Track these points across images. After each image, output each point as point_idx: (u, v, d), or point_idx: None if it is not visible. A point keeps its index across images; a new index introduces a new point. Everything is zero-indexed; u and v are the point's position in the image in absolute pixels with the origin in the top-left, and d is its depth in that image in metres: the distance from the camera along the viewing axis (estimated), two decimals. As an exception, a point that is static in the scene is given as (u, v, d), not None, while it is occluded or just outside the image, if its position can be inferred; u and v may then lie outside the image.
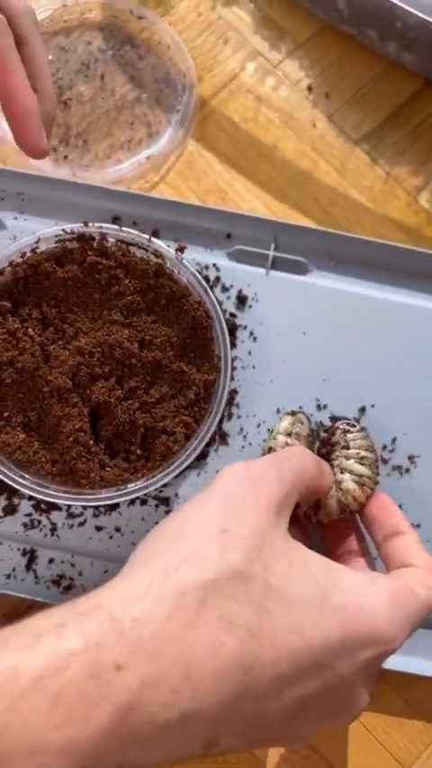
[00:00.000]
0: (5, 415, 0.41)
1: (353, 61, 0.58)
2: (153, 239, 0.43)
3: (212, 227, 0.53)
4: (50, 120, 0.41)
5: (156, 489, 0.42)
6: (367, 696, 0.32)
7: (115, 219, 0.52)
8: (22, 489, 0.41)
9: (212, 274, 0.52)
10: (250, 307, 0.52)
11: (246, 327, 0.51)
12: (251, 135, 0.57)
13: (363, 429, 0.44)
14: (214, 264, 0.52)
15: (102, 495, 0.42)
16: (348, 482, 0.40)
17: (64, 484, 0.42)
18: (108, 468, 0.42)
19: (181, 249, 0.43)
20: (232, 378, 0.44)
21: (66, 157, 0.55)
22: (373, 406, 0.50)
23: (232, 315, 0.51)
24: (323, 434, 0.43)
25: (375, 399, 0.50)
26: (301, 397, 0.50)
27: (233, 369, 0.46)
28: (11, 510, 0.48)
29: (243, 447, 0.49)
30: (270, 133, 0.57)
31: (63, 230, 0.42)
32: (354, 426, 0.43)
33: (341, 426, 0.43)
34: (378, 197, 0.56)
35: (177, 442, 0.41)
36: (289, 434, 0.42)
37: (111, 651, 0.24)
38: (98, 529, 0.49)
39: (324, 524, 0.41)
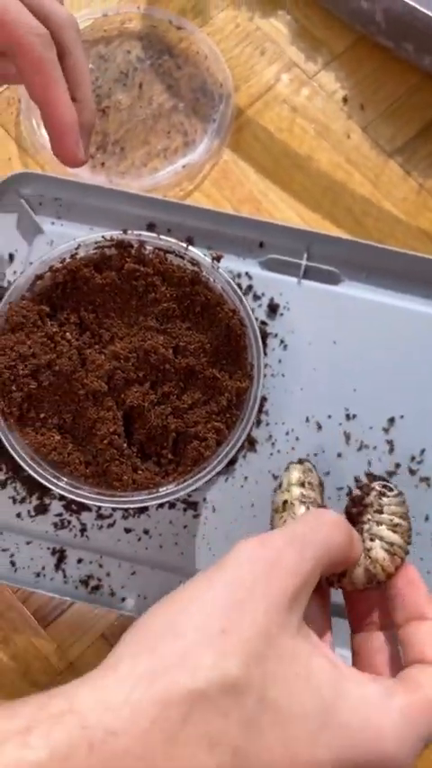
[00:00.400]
0: (42, 416, 0.42)
1: (388, 73, 0.59)
2: (190, 248, 0.43)
3: (246, 235, 0.53)
4: (89, 129, 0.42)
5: (185, 493, 0.43)
6: None
7: (150, 226, 0.53)
8: (57, 490, 0.42)
9: (245, 282, 0.53)
10: (281, 315, 0.52)
11: (276, 335, 0.52)
12: (286, 145, 0.57)
13: (400, 494, 0.40)
14: (247, 273, 0.53)
15: (133, 498, 0.42)
16: (378, 550, 0.36)
17: (97, 486, 0.43)
18: (140, 472, 0.43)
19: (217, 258, 0.43)
20: (263, 385, 0.45)
21: (103, 164, 0.56)
22: (402, 416, 0.50)
23: (263, 323, 0.51)
24: (356, 492, 0.40)
25: (405, 410, 0.50)
26: (331, 406, 0.51)
27: (263, 376, 0.46)
28: (42, 509, 0.49)
29: (271, 454, 0.50)
30: (305, 144, 0.57)
31: (103, 237, 0.43)
32: (391, 490, 0.40)
33: (377, 488, 0.39)
34: (411, 209, 0.56)
35: (209, 447, 0.42)
36: (302, 485, 0.39)
37: (78, 766, 0.22)
38: (127, 531, 0.49)
39: (347, 591, 0.37)
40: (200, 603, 0.26)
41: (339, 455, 0.50)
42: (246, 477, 0.50)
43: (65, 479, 0.43)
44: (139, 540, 0.49)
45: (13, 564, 0.49)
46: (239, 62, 0.59)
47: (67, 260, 0.43)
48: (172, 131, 0.57)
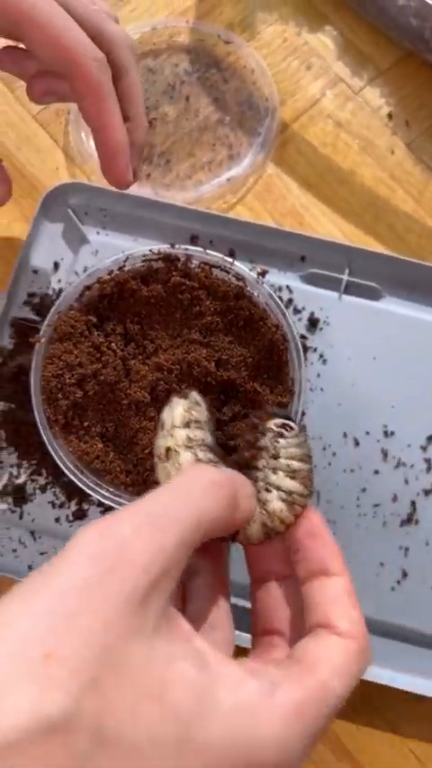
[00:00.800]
0: (86, 424, 0.43)
1: (435, 90, 0.59)
2: (236, 263, 0.44)
3: (288, 249, 0.54)
4: (141, 148, 0.43)
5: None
6: None
7: (193, 238, 0.54)
8: (98, 497, 0.43)
9: (285, 296, 0.53)
10: (321, 330, 0.52)
11: (316, 350, 0.52)
12: (329, 160, 0.58)
13: (301, 431, 0.35)
14: (287, 286, 0.53)
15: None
16: (275, 502, 0.32)
17: (137, 494, 0.44)
18: (179, 482, 0.43)
19: (262, 273, 0.44)
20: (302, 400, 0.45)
21: (148, 176, 0.57)
22: (440, 435, 0.50)
23: (303, 337, 0.51)
24: (248, 437, 0.34)
25: (443, 429, 0.51)
26: (369, 423, 0.51)
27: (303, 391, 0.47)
28: (80, 515, 0.50)
29: (308, 468, 0.50)
30: (348, 159, 0.58)
31: (150, 250, 0.44)
32: (290, 429, 0.35)
33: (274, 428, 0.35)
34: (454, 226, 0.56)
35: (249, 461, 0.42)
36: (188, 425, 0.33)
37: None
38: (163, 539, 0.50)
39: (244, 545, 0.34)
40: (18, 622, 0.21)
41: (376, 472, 0.50)
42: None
43: (106, 487, 0.43)
44: (175, 548, 0.50)
45: (50, 567, 0.50)
46: (286, 76, 0.59)
47: (115, 272, 0.44)
48: (217, 144, 0.57)
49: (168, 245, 0.44)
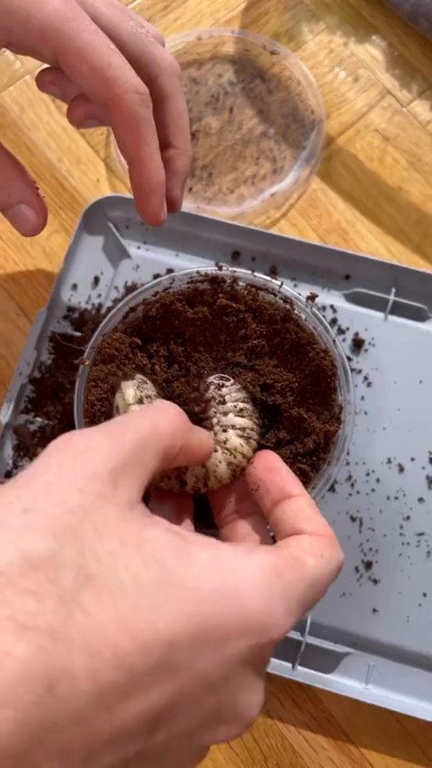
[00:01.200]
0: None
1: None
2: (284, 286, 0.42)
3: (332, 267, 0.52)
4: (184, 177, 0.41)
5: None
6: (256, 696, 0.25)
7: (235, 254, 0.53)
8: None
9: (329, 315, 0.52)
10: (366, 351, 0.51)
11: (360, 372, 0.51)
12: (376, 175, 0.56)
13: (235, 382, 0.41)
14: (332, 306, 0.52)
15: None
16: (233, 438, 0.37)
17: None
18: (221, 509, 0.42)
19: (311, 297, 0.42)
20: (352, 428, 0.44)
21: (190, 189, 0.56)
22: None
23: (347, 358, 0.50)
24: (193, 394, 0.39)
25: None
26: (414, 449, 0.49)
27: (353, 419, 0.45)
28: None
29: (350, 495, 0.49)
30: (395, 175, 0.56)
31: (197, 272, 0.43)
32: (228, 380, 0.40)
33: (214, 381, 0.40)
34: None
35: (293, 490, 0.41)
36: (140, 401, 0.37)
37: None
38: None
39: (214, 491, 0.37)
40: (2, 493, 0.23)
41: (421, 500, 0.49)
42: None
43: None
44: (212, 573, 0.49)
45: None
46: (332, 88, 0.58)
47: (161, 293, 0.43)
48: (261, 157, 0.56)
49: (215, 268, 0.43)
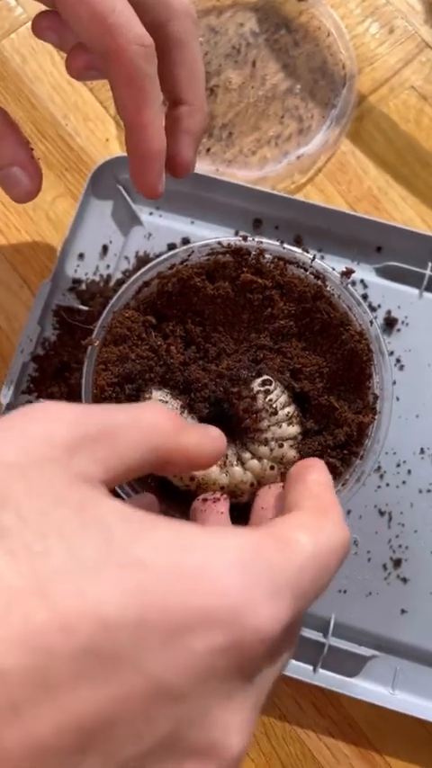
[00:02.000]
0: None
1: None
2: (317, 260, 0.38)
3: (362, 237, 0.48)
4: (198, 137, 0.36)
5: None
6: (240, 716, 0.18)
7: (256, 222, 0.49)
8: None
9: (359, 291, 0.47)
10: (399, 331, 0.47)
11: (392, 354, 0.47)
12: (412, 138, 0.51)
13: (271, 379, 0.37)
14: (362, 280, 0.48)
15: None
16: (289, 452, 0.37)
17: (184, 515, 0.39)
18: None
19: (347, 273, 0.38)
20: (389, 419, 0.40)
21: (208, 150, 0.51)
22: None
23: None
24: (242, 404, 0.36)
25: None
26: (449, 438, 0.45)
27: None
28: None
29: (379, 487, 0.45)
30: (433, 137, 0.51)
31: (219, 243, 0.38)
32: (270, 382, 0.37)
33: (260, 388, 0.37)
34: None
35: (322, 485, 0.37)
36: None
37: None
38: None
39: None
40: None
41: (456, 494, 0.45)
42: (349, 512, 0.45)
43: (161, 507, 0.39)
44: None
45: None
46: (364, 41, 0.53)
47: (177, 266, 0.39)
48: (286, 116, 0.51)
49: (239, 238, 0.39)
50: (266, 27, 0.53)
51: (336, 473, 0.38)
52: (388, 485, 0.45)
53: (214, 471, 0.37)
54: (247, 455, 0.37)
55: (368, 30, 0.53)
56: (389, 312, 0.47)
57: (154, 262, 0.39)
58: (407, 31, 0.53)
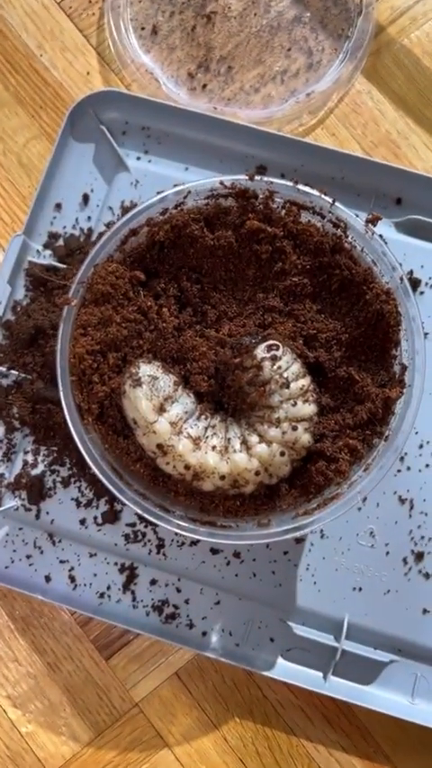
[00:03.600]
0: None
1: None
2: (337, 204, 0.32)
3: (380, 187, 0.43)
4: None
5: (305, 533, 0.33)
6: None
7: (260, 169, 0.43)
8: (142, 513, 0.33)
9: (376, 249, 0.42)
10: (422, 294, 0.42)
11: (414, 319, 0.41)
12: (436, 74, 0.45)
13: (280, 345, 0.32)
14: (381, 236, 0.41)
15: (231, 533, 0.33)
16: (304, 437, 0.32)
17: (188, 506, 0.33)
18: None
19: (372, 221, 0.32)
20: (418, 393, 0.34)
21: (204, 86, 0.45)
22: None
23: (398, 302, 0.40)
24: (247, 375, 0.31)
25: None
26: None
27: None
28: (111, 517, 0.40)
29: (399, 471, 0.40)
30: (460, 74, 0.45)
31: (221, 183, 0.32)
32: (277, 348, 0.31)
33: (265, 356, 0.31)
34: None
35: (340, 472, 0.32)
36: (162, 409, 0.31)
37: None
38: (214, 552, 0.40)
39: None
40: None
41: None
42: (365, 499, 0.39)
43: (151, 498, 0.33)
44: (228, 563, 0.40)
45: (72, 579, 0.41)
46: (382, -37, 0.46)
47: (171, 211, 0.33)
48: (293, 49, 0.45)
49: (245, 177, 0.32)
50: None
51: (357, 456, 0.33)
52: (409, 469, 0.40)
53: (212, 458, 0.32)
54: (254, 438, 0.32)
55: None
56: (411, 272, 0.42)
57: (143, 205, 0.33)
58: None
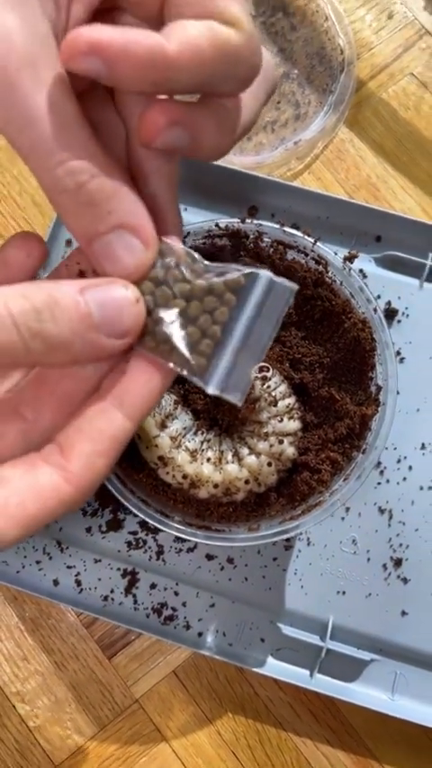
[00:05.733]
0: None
1: None
2: (318, 244, 0.36)
3: (361, 227, 0.46)
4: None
5: (290, 536, 0.37)
6: None
7: (252, 210, 0.47)
8: (147, 519, 0.36)
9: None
10: (399, 322, 0.45)
11: (393, 345, 0.45)
12: (411, 125, 0.50)
13: (268, 366, 0.35)
14: (361, 270, 0.46)
15: (226, 536, 0.36)
16: (288, 450, 0.36)
17: (184, 511, 0.37)
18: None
19: (350, 258, 0.37)
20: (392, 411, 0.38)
21: (202, 135, 0.49)
22: None
23: (377, 330, 0.44)
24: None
25: None
26: (451, 434, 0.44)
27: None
28: (115, 525, 0.44)
29: (379, 484, 0.44)
30: (433, 125, 0.50)
31: (217, 225, 0.37)
32: (267, 369, 0.35)
33: (257, 375, 0.35)
34: None
35: (322, 482, 0.36)
36: (164, 425, 0.35)
37: None
38: (209, 557, 0.43)
39: None
40: None
41: (459, 491, 0.43)
42: (348, 509, 0.43)
43: (155, 506, 0.37)
44: (222, 569, 0.43)
45: (78, 584, 0.44)
46: (363, 26, 0.51)
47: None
48: (282, 102, 0.50)
49: (237, 220, 0.37)
50: (263, 10, 0.51)
51: (337, 468, 0.37)
52: (388, 481, 0.44)
53: (207, 468, 0.35)
54: (244, 450, 0.35)
55: (367, 15, 0.51)
56: (389, 303, 0.45)
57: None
58: (406, 17, 0.51)
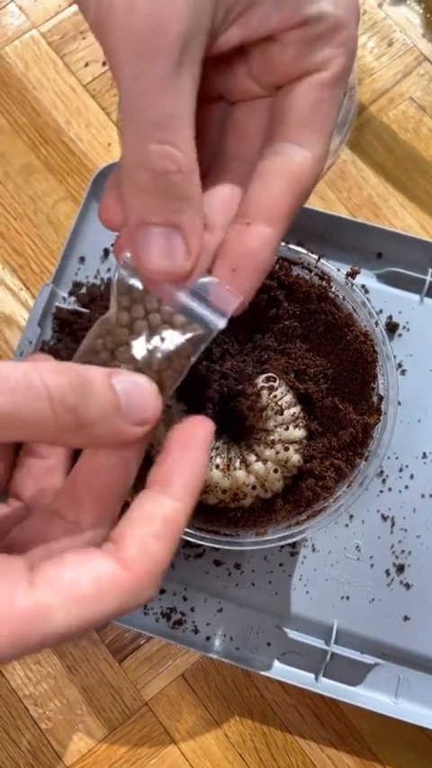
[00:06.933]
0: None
1: None
2: (322, 260, 0.38)
3: (363, 244, 0.48)
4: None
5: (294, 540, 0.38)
6: None
7: (258, 228, 0.49)
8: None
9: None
10: (400, 336, 0.47)
11: (394, 358, 0.46)
12: (411, 147, 0.52)
13: (275, 376, 0.36)
14: (363, 286, 0.48)
15: (234, 539, 0.38)
16: (294, 457, 0.37)
17: (194, 518, 0.38)
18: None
19: (352, 274, 0.38)
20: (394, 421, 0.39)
21: (210, 157, 0.51)
22: None
23: (379, 344, 0.46)
24: (247, 402, 0.36)
25: None
26: (451, 443, 0.45)
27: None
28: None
29: (381, 492, 0.45)
30: (432, 146, 0.52)
31: (225, 242, 0.38)
32: (274, 378, 0.36)
33: (264, 384, 0.36)
34: None
35: (326, 488, 0.37)
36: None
37: None
38: (217, 563, 0.45)
39: None
40: None
41: (459, 499, 0.45)
42: (351, 516, 0.45)
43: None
44: (230, 574, 0.45)
45: (90, 589, 0.45)
46: (364, 52, 0.54)
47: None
48: (287, 125, 0.52)
49: (245, 237, 0.38)
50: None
51: (340, 475, 0.38)
52: (390, 489, 0.45)
53: (216, 474, 0.37)
54: (252, 457, 0.37)
55: (368, 42, 0.54)
56: (390, 317, 0.47)
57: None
58: (405, 44, 0.53)
